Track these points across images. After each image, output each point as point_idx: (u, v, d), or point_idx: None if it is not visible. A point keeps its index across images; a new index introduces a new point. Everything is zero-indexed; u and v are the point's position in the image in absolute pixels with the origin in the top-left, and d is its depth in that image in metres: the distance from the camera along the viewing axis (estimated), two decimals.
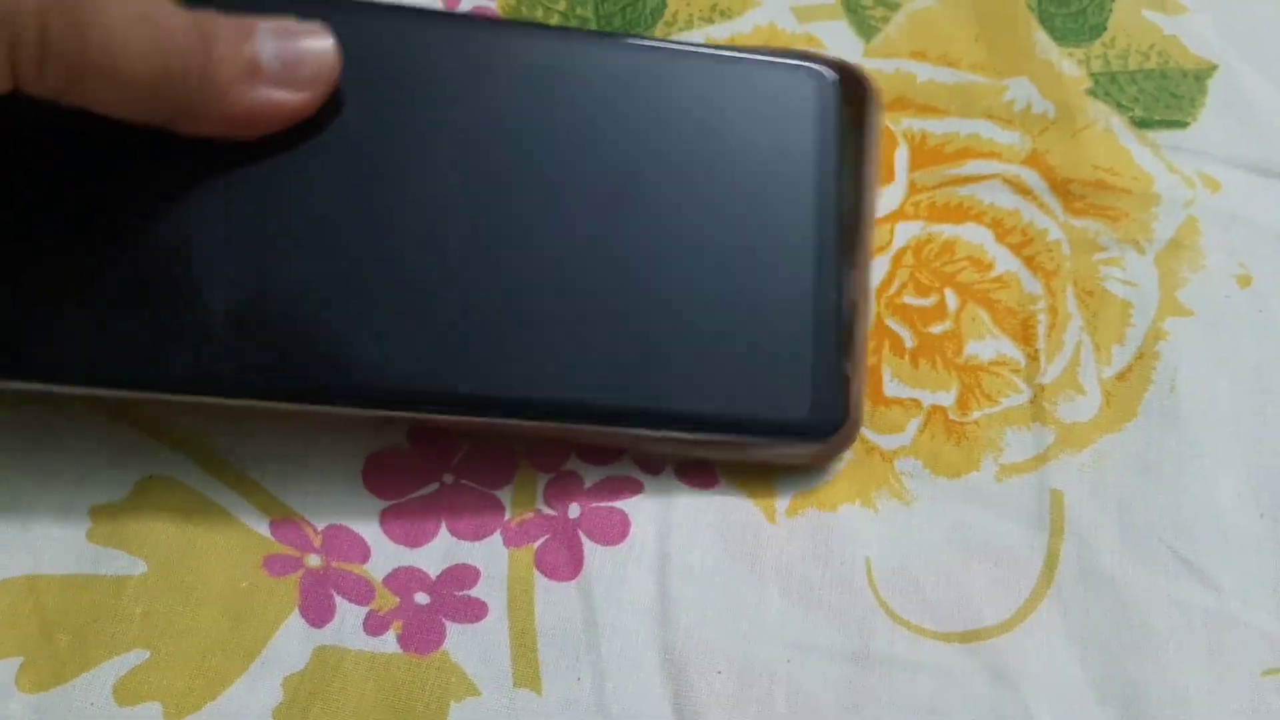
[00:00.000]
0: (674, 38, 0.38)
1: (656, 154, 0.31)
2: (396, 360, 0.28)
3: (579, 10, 0.39)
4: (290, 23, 0.28)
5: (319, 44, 0.28)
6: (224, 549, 0.30)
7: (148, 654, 0.29)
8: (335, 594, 0.30)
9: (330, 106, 0.29)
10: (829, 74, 0.33)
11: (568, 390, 0.29)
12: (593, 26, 0.38)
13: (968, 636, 0.31)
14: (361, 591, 0.30)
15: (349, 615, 0.30)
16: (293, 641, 0.30)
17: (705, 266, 0.30)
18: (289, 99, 0.28)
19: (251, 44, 0.27)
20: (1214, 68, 0.39)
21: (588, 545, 0.31)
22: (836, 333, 0.31)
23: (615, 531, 0.31)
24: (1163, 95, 0.38)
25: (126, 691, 0.29)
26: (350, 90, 0.29)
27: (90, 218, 0.28)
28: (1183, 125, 0.38)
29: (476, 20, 0.31)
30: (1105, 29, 0.39)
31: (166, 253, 0.28)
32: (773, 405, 0.30)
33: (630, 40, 0.33)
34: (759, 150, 0.32)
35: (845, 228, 0.32)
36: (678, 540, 0.31)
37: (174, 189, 0.28)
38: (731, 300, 0.30)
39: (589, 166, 0.30)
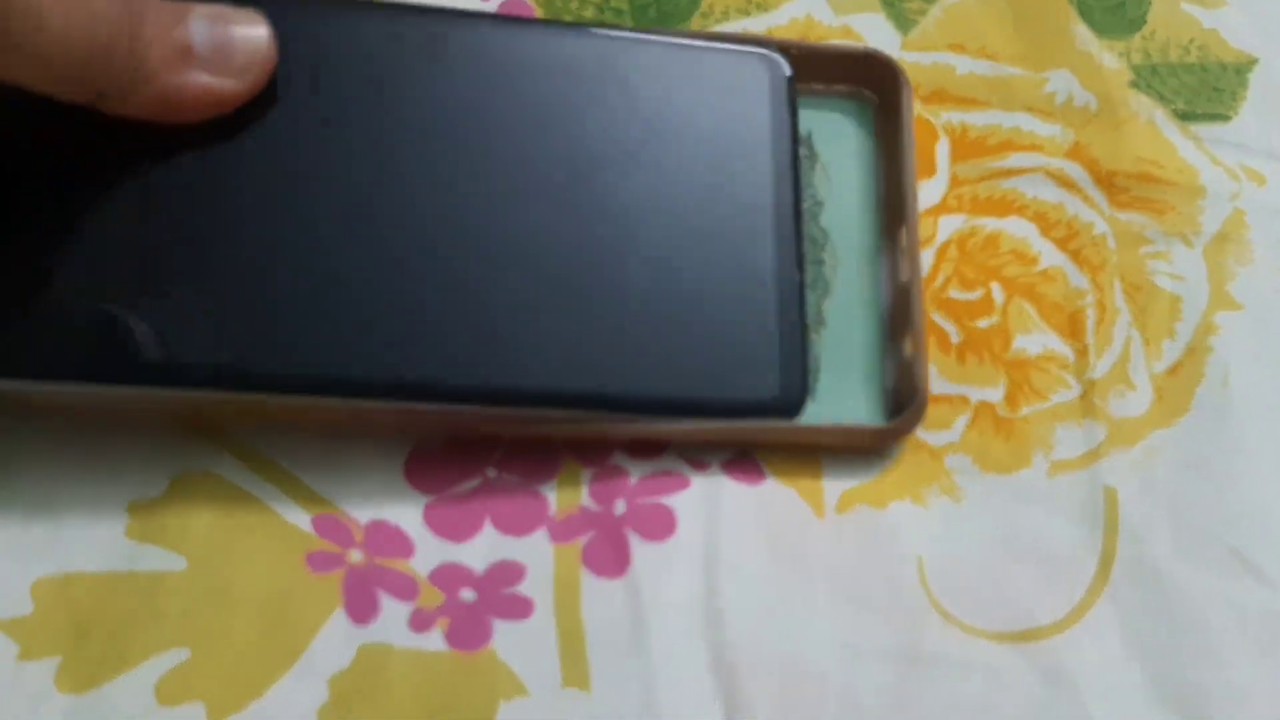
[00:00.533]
0: (712, 28, 0.38)
1: (612, 141, 0.30)
2: (342, 346, 0.28)
3: (614, 2, 0.38)
4: (225, 8, 0.27)
5: (253, 32, 0.28)
6: (265, 545, 0.30)
7: (188, 653, 0.28)
8: (379, 590, 0.29)
9: (278, 95, 0.28)
10: (780, 60, 0.32)
11: (529, 377, 0.29)
12: (627, 19, 0.38)
13: (1021, 636, 0.30)
14: (406, 588, 0.29)
15: (394, 612, 0.29)
16: (337, 639, 0.29)
17: (660, 251, 0.30)
18: (220, 86, 0.27)
19: (184, 27, 0.26)
20: (1254, 61, 0.39)
21: (634, 542, 0.30)
22: (799, 312, 0.30)
23: (662, 528, 0.30)
24: (1204, 89, 0.38)
25: (168, 691, 0.28)
26: (297, 79, 0.29)
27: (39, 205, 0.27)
28: (1225, 119, 0.38)
29: (431, 10, 0.31)
30: (1145, 22, 0.39)
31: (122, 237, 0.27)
32: (735, 386, 0.30)
33: (581, 29, 0.32)
34: (714, 136, 0.31)
35: (798, 211, 0.31)
36: (725, 537, 0.31)
37: (127, 174, 0.28)
38: (689, 284, 0.30)
39: (546, 153, 0.30)
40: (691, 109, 0.31)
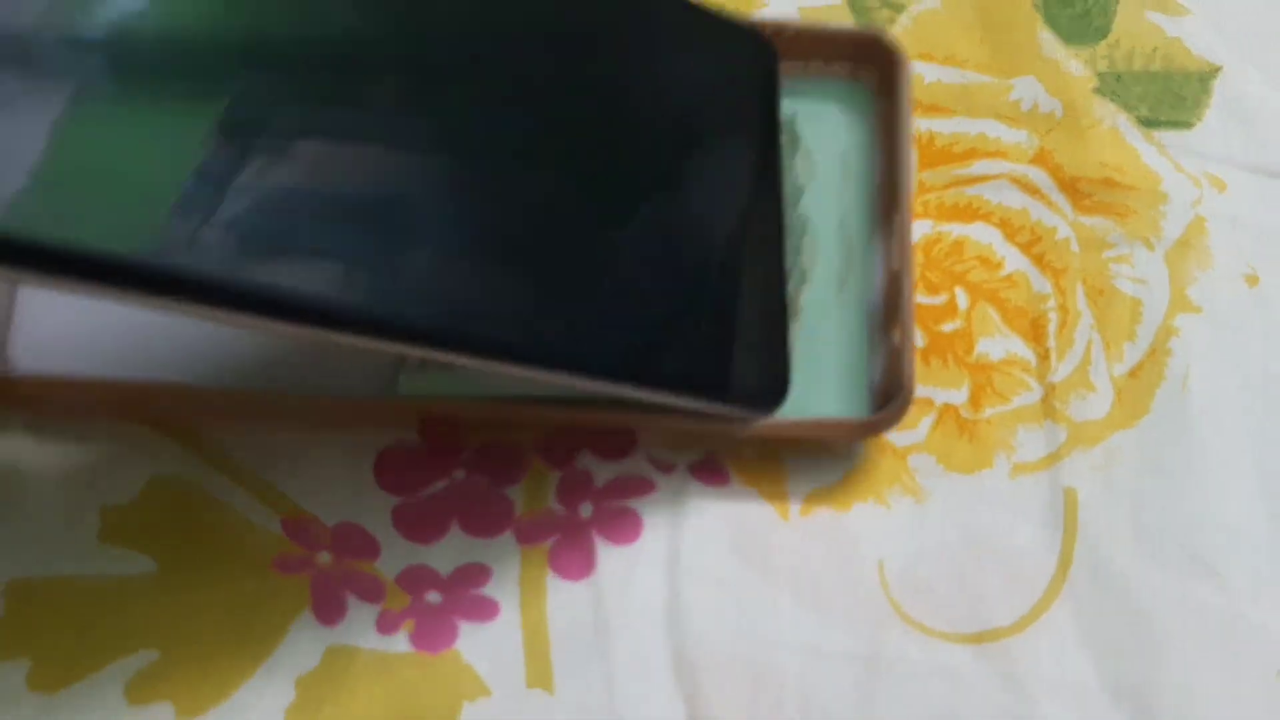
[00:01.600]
0: None
1: (606, 102, 0.29)
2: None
3: None
4: None
5: None
6: (235, 548, 0.30)
7: (158, 654, 0.29)
8: (347, 592, 0.30)
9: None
10: (767, 42, 0.32)
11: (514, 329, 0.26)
12: None
13: (980, 637, 0.31)
14: (373, 590, 0.30)
15: (360, 614, 0.30)
16: (304, 641, 0.29)
17: (647, 227, 0.28)
18: None
19: None
20: (1217, 70, 0.39)
21: (600, 545, 0.31)
22: (780, 302, 0.30)
23: (628, 531, 0.31)
24: (1167, 96, 0.39)
25: (138, 692, 0.28)
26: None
27: None
28: (1188, 125, 0.38)
29: None
30: (1110, 30, 0.39)
31: None
32: (717, 372, 0.29)
33: None
34: (700, 110, 0.30)
35: (779, 196, 0.31)
36: (690, 540, 0.31)
37: None
38: (670, 257, 0.29)
39: (541, 111, 0.28)
40: (679, 78, 0.30)
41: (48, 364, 0.30)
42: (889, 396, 0.31)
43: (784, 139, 0.33)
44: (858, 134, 0.34)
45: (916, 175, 0.33)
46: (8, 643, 0.29)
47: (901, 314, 0.31)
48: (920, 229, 0.36)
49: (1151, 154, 0.37)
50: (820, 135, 0.34)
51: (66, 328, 0.31)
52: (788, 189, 0.33)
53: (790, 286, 0.32)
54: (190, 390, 0.30)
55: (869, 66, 0.35)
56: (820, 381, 0.32)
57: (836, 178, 0.34)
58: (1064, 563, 0.32)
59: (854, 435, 0.32)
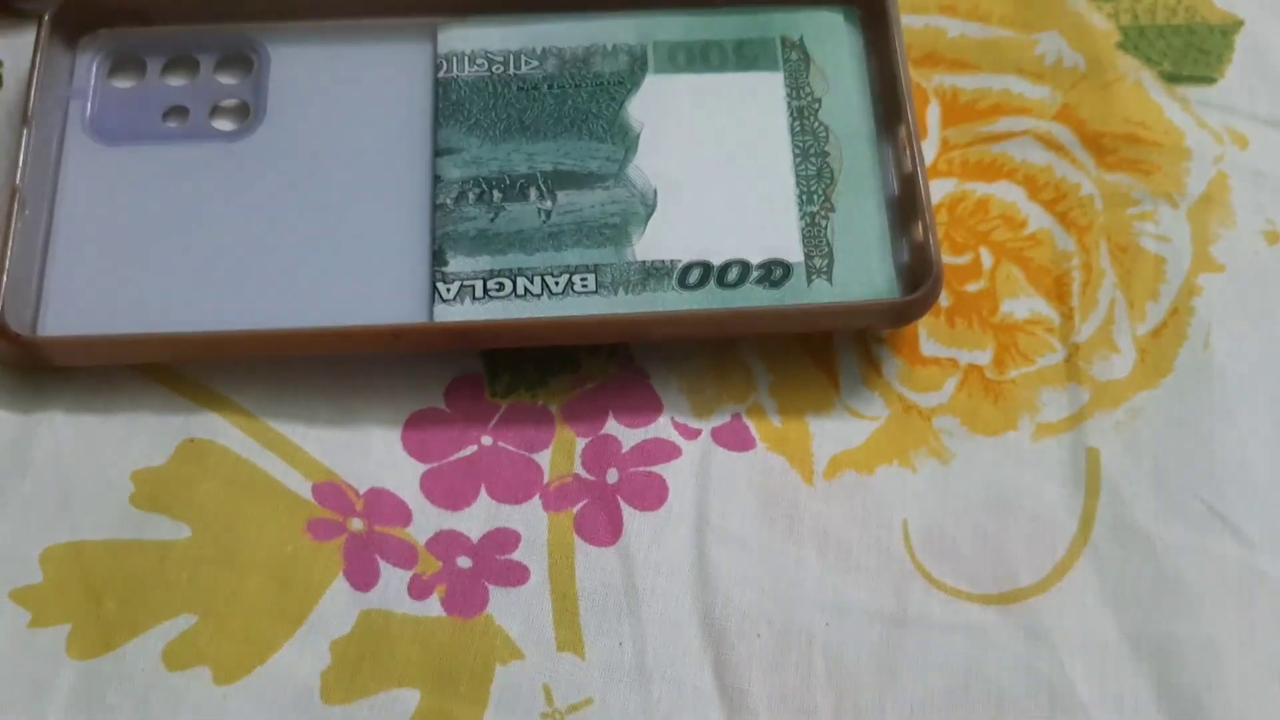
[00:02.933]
0: None
1: None
2: None
3: None
4: None
5: None
6: (268, 513, 0.30)
7: (195, 619, 0.29)
8: (379, 558, 0.30)
9: None
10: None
11: None
12: None
13: (1004, 598, 0.31)
14: (405, 555, 0.30)
15: (393, 579, 0.30)
16: (339, 605, 0.30)
17: None
18: None
19: None
20: (1239, 23, 0.39)
21: (626, 510, 0.31)
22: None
23: (653, 497, 0.31)
24: (1190, 50, 0.38)
25: (175, 657, 0.29)
26: None
27: None
28: (1211, 81, 0.38)
29: None
30: None
31: None
32: None
33: None
34: None
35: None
36: (716, 504, 0.31)
37: None
38: None
39: None
40: None
41: (77, 327, 0.31)
42: (918, 282, 0.32)
43: (796, 58, 0.35)
44: (858, 49, 0.36)
45: (912, 86, 0.35)
46: (47, 609, 0.29)
47: (920, 209, 0.32)
48: (944, 188, 0.36)
49: (1175, 109, 0.37)
50: (827, 53, 0.36)
51: (94, 290, 0.31)
52: (805, 101, 0.35)
53: (822, 187, 0.34)
54: (222, 335, 0.30)
55: None
56: (857, 267, 0.33)
57: (846, 89, 0.35)
58: (1086, 522, 0.32)
59: (894, 316, 0.32)
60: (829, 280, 0.32)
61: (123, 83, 0.35)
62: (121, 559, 0.30)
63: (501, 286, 0.32)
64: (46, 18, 0.34)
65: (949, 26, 0.38)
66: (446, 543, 0.31)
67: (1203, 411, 0.33)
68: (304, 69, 0.35)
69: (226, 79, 0.35)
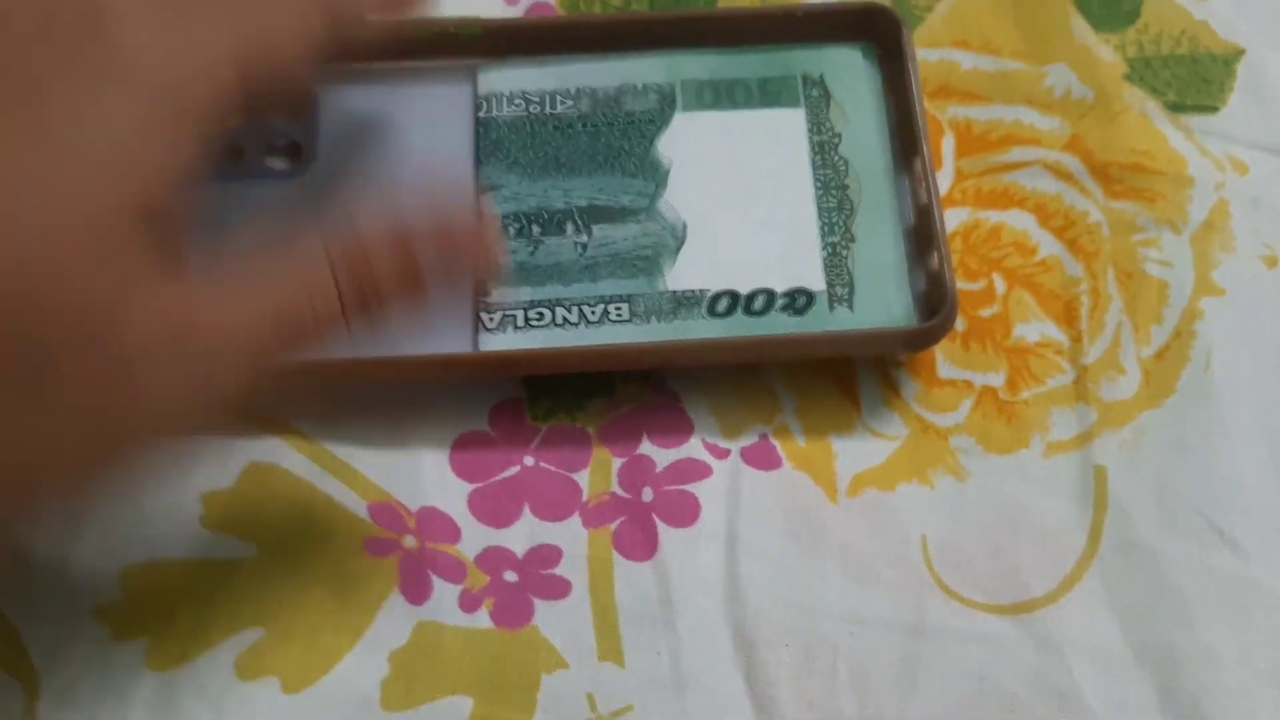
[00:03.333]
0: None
1: None
2: None
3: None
4: None
5: None
6: (327, 532, 0.32)
7: (263, 632, 0.31)
8: (431, 573, 0.32)
9: None
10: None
11: None
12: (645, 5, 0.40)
13: (1016, 609, 0.33)
14: (455, 571, 0.32)
15: (445, 593, 0.32)
16: (395, 619, 0.32)
17: None
18: None
19: None
20: (1241, 52, 0.40)
21: (661, 527, 0.33)
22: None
23: (687, 514, 0.33)
24: (1194, 80, 0.40)
25: (246, 667, 0.31)
26: None
27: None
28: (1214, 109, 0.40)
29: None
30: (1139, 15, 0.41)
31: None
32: None
33: None
34: None
35: None
36: (745, 521, 0.33)
37: None
38: None
39: None
40: None
41: None
42: (935, 309, 0.34)
43: (817, 94, 0.37)
44: (876, 85, 0.37)
45: (928, 121, 0.36)
46: (127, 625, 0.31)
47: (936, 239, 0.34)
48: (959, 216, 0.37)
49: (1179, 138, 0.39)
50: (846, 89, 0.37)
51: None
52: (826, 136, 0.36)
53: (842, 218, 0.35)
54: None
55: (873, 33, 0.38)
56: (876, 294, 0.34)
57: (865, 124, 0.37)
58: (1094, 536, 0.34)
59: (912, 342, 0.34)
60: (850, 307, 0.34)
61: None
62: (194, 576, 0.32)
63: (541, 316, 0.34)
64: None
65: (962, 60, 0.40)
66: (494, 558, 0.33)
67: (1203, 430, 0.35)
68: (352, 109, 0.36)
69: (279, 119, 0.37)
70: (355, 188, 0.35)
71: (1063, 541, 0.33)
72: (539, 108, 0.37)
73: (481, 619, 0.32)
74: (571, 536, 0.33)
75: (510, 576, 0.32)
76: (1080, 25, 0.41)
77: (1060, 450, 0.35)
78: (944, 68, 0.40)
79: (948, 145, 0.39)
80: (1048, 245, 0.37)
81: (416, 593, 0.32)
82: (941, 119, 0.39)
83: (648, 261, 0.34)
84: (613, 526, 0.33)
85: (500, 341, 0.33)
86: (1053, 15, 0.41)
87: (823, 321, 0.34)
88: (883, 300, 0.34)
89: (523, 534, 0.33)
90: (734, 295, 0.34)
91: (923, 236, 0.35)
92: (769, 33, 0.37)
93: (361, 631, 0.32)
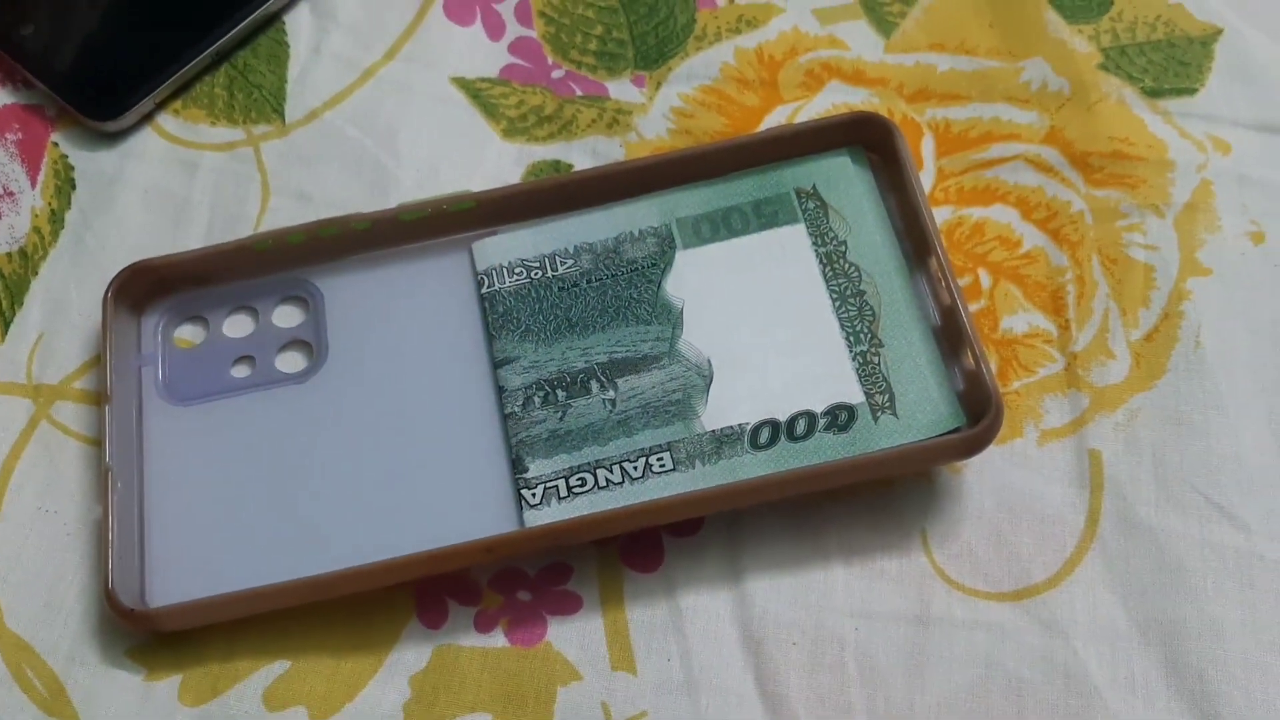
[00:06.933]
0: (704, 52, 0.41)
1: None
2: None
3: (615, 34, 0.42)
4: None
5: None
6: None
7: (289, 664, 0.33)
8: (447, 598, 0.34)
9: None
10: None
11: None
12: (629, 47, 0.41)
13: (1019, 594, 0.33)
14: (470, 593, 0.34)
15: (460, 616, 0.33)
16: (414, 643, 0.33)
17: None
18: None
19: None
20: (1219, 32, 0.41)
21: (666, 539, 0.34)
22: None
23: (690, 524, 0.34)
24: (1171, 64, 0.41)
25: (275, 698, 0.32)
26: None
27: None
28: (1192, 92, 0.40)
29: None
30: (1112, 3, 0.42)
31: None
32: None
33: None
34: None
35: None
36: (748, 525, 0.34)
37: None
38: None
39: None
40: None
41: (183, 592, 0.32)
42: (979, 411, 0.33)
43: (813, 206, 0.36)
44: (871, 185, 0.37)
45: (935, 222, 0.36)
46: (161, 662, 0.33)
47: (968, 338, 0.33)
48: (941, 215, 0.38)
49: (1157, 123, 0.40)
50: (841, 196, 0.37)
51: (193, 553, 0.33)
52: (830, 246, 0.36)
53: (866, 324, 0.35)
54: (326, 578, 0.32)
55: (867, 139, 0.37)
56: (918, 396, 0.34)
57: (867, 227, 0.36)
58: (1092, 518, 0.34)
59: (963, 450, 0.33)
60: (894, 414, 0.33)
61: (187, 340, 0.37)
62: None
63: (584, 482, 0.33)
64: (109, 294, 0.35)
65: (939, 62, 0.41)
66: (507, 579, 0.34)
67: (1196, 408, 0.35)
68: (356, 300, 0.36)
69: (285, 319, 0.37)
70: (371, 382, 0.35)
71: (1062, 526, 0.34)
72: (540, 272, 0.36)
73: (497, 638, 0.33)
74: (580, 554, 0.34)
75: (523, 596, 0.34)
76: (1053, 18, 0.41)
77: (1054, 437, 0.35)
78: (921, 71, 0.41)
79: (927, 146, 0.39)
80: (1031, 237, 0.38)
81: (433, 617, 0.33)
82: (920, 121, 0.40)
83: (680, 405, 0.34)
84: (619, 541, 0.34)
85: (545, 515, 0.33)
86: (1026, 11, 0.42)
87: (869, 432, 0.33)
88: (926, 401, 0.34)
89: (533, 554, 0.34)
90: (774, 424, 0.34)
91: (953, 337, 0.34)
92: (758, 158, 0.37)
93: (383, 658, 0.33)
